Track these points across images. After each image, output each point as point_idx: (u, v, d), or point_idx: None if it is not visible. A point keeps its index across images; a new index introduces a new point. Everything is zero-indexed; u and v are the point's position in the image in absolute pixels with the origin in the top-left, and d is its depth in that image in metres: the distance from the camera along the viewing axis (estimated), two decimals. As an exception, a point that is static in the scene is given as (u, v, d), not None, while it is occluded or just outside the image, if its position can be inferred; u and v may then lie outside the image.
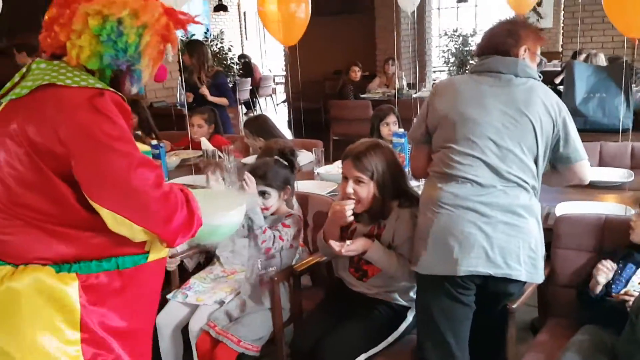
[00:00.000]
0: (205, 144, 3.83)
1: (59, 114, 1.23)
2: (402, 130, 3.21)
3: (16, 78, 1.35)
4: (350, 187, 2.04)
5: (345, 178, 2.07)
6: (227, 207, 1.51)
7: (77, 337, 1.30)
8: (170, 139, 4.39)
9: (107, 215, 1.25)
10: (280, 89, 12.58)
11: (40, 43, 1.36)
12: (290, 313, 2.29)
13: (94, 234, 1.30)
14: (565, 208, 2.32)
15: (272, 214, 2.31)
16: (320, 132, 5.69)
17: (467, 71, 4.37)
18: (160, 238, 1.32)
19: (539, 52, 1.98)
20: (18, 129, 1.25)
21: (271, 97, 11.93)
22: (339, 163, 3.39)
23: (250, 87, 10.49)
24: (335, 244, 2.01)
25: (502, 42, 1.92)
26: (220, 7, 10.16)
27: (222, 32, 8.76)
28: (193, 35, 8.68)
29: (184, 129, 5.34)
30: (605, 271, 1.94)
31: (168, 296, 2.41)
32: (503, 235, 1.78)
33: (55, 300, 1.28)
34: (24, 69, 1.35)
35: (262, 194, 2.26)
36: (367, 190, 2.02)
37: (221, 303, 2.31)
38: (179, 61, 6.10)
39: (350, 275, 2.17)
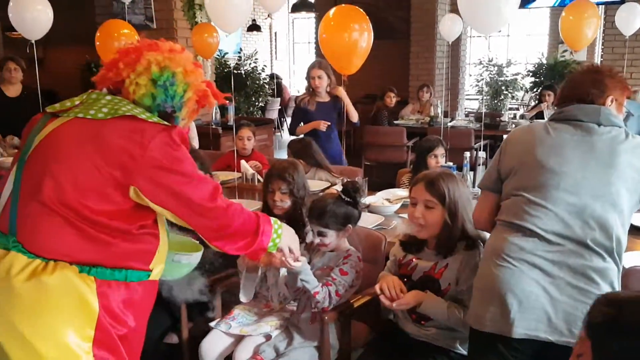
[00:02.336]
0: (245, 167, 3.80)
1: (141, 137, 1.47)
2: (451, 163, 3.15)
3: (76, 101, 1.58)
4: (418, 212, 1.99)
5: (414, 203, 2.02)
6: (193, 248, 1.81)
7: (91, 335, 1.45)
8: (208, 158, 4.37)
9: (161, 211, 1.52)
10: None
11: (99, 78, 1.62)
12: (338, 354, 2.20)
13: (117, 243, 1.48)
14: (635, 259, 2.20)
15: (331, 251, 2.25)
16: (349, 157, 5.65)
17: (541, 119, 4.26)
18: (208, 238, 1.60)
19: (625, 102, 1.86)
20: (95, 144, 1.46)
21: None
22: (382, 194, 3.33)
23: (279, 107, 10.53)
24: (385, 300, 1.96)
25: (586, 92, 1.79)
26: (254, 27, 10.25)
27: (256, 52, 8.81)
28: (226, 53, 8.76)
29: (218, 148, 5.36)
30: None
31: (211, 324, 2.35)
32: (570, 299, 1.64)
33: (78, 299, 1.43)
34: (84, 96, 1.59)
35: (319, 234, 2.20)
36: (437, 215, 1.97)
37: (267, 336, 2.25)
38: (216, 81, 6.17)
39: (407, 316, 2.09)
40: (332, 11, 2.53)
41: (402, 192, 3.32)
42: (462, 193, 2.00)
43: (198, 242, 1.91)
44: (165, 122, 1.53)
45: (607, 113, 1.76)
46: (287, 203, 2.52)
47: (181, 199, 1.51)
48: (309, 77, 4.24)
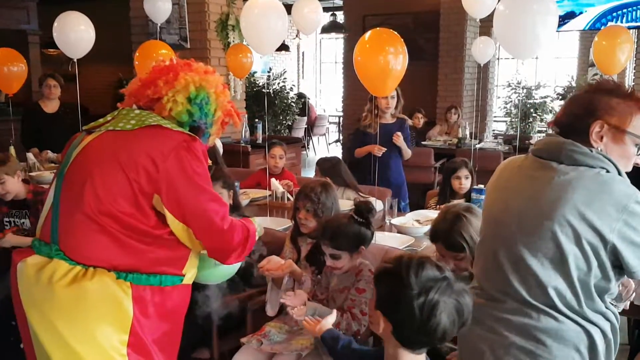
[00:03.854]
0: (275, 185, 3.84)
1: (163, 146, 1.56)
2: (481, 186, 3.13)
3: (108, 117, 1.69)
4: (452, 265, 1.97)
5: (443, 256, 2.02)
6: None
7: (125, 339, 1.52)
8: (237, 176, 4.42)
9: (177, 225, 1.57)
10: (333, 128, 12.67)
11: (133, 92, 1.73)
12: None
13: (152, 249, 1.57)
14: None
15: (344, 272, 2.25)
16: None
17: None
18: (218, 257, 1.70)
19: (638, 130, 1.46)
20: (124, 153, 1.55)
21: (324, 136, 12.02)
22: (412, 215, 3.33)
23: (306, 126, 10.62)
24: None
25: (578, 114, 1.48)
26: (282, 47, 10.39)
27: (284, 72, 8.93)
28: (255, 72, 8.89)
29: (247, 166, 5.42)
30: None
31: (242, 340, 2.37)
32: None
33: (115, 304, 1.51)
34: (116, 112, 1.70)
35: (332, 256, 2.20)
36: (468, 260, 1.96)
37: (298, 355, 2.25)
38: (245, 99, 6.26)
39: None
40: (367, 34, 2.57)
41: (432, 214, 3.31)
42: (478, 228, 1.91)
43: None
44: (189, 133, 1.63)
45: (572, 149, 1.45)
46: (312, 222, 2.54)
47: (197, 211, 1.59)
48: (375, 97, 3.91)
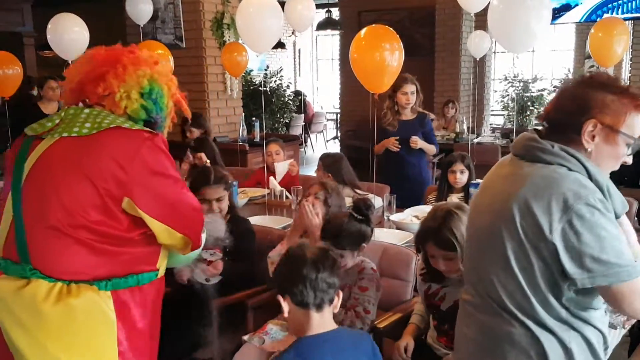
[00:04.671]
0: (273, 184, 3.85)
1: (128, 148, 1.51)
2: (479, 180, 3.12)
3: (56, 120, 1.57)
4: (441, 265, 1.96)
5: (432, 256, 1.98)
6: None
7: (115, 351, 1.51)
8: (235, 174, 4.41)
9: (158, 226, 1.55)
10: (330, 125, 12.66)
11: (84, 90, 1.62)
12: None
13: (126, 250, 1.53)
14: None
15: (345, 270, 2.25)
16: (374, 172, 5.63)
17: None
18: (194, 244, 1.68)
19: (632, 130, 1.38)
20: (88, 161, 1.48)
21: (322, 133, 12.01)
22: (410, 211, 3.33)
23: (303, 124, 10.61)
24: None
25: (570, 111, 1.41)
26: (278, 45, 10.37)
27: (281, 69, 8.92)
28: (251, 70, 8.88)
29: (245, 164, 5.42)
30: None
31: (244, 338, 2.37)
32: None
33: (102, 318, 1.49)
34: (62, 113, 1.59)
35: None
36: (457, 261, 1.91)
37: (298, 353, 2.25)
38: (242, 98, 6.26)
39: (439, 344, 2.08)
40: (363, 31, 2.57)
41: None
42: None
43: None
44: (149, 129, 1.59)
45: (530, 145, 1.42)
46: (318, 210, 2.44)
47: (175, 203, 1.59)
48: (395, 93, 3.88)
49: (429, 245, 1.96)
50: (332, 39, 13.11)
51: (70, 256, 1.47)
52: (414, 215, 3.18)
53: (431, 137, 4.08)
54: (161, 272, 1.66)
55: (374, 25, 2.60)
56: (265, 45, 3.00)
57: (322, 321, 1.61)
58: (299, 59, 13.95)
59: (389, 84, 2.73)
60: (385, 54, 2.41)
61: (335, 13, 9.76)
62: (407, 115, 3.99)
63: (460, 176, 3.38)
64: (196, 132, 4.57)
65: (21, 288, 1.45)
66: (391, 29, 2.60)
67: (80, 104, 1.61)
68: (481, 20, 6.94)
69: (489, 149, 5.87)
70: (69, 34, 3.63)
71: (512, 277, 1.39)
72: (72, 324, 1.46)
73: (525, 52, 2.45)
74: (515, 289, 1.39)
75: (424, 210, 3.31)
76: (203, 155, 4.12)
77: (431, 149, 4.07)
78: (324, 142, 11.87)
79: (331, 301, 1.62)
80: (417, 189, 3.81)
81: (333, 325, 1.65)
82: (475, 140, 6.10)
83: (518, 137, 1.51)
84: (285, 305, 1.62)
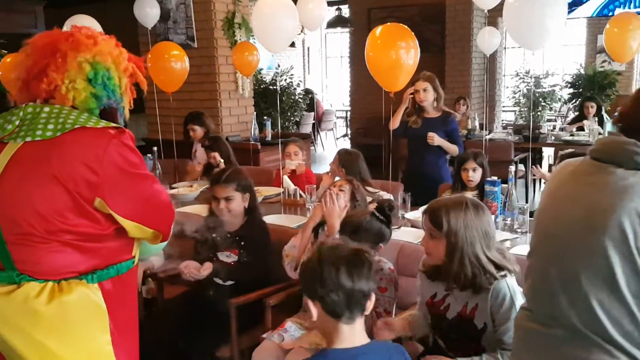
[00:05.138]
0: (287, 183, 3.85)
1: (95, 149, 1.48)
2: (495, 178, 3.11)
3: (16, 122, 1.52)
4: (424, 240, 1.97)
5: (425, 229, 1.99)
6: None
7: (108, 338, 1.55)
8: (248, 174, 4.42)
9: (128, 224, 1.54)
10: (340, 123, 12.66)
11: (30, 89, 1.56)
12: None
13: (105, 244, 1.55)
14: None
15: None
16: (383, 170, 5.63)
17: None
18: (164, 236, 1.67)
19: None
20: (57, 166, 1.45)
21: (332, 131, 12.01)
22: (424, 209, 3.31)
23: (313, 122, 10.61)
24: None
25: None
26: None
27: (292, 68, 8.92)
28: (261, 69, 8.89)
29: (257, 164, 5.43)
30: None
31: (263, 336, 2.39)
32: None
33: (95, 309, 1.52)
34: (20, 113, 1.53)
35: None
36: (440, 246, 1.88)
37: (316, 350, 2.26)
38: (253, 97, 6.27)
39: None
40: (378, 29, 2.57)
41: (446, 207, 3.31)
42: (471, 226, 1.84)
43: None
44: (114, 124, 1.54)
45: (633, 150, 1.25)
46: (340, 200, 2.43)
47: (145, 200, 1.58)
48: (415, 92, 3.85)
49: (425, 216, 1.95)
50: (340, 37, 13.09)
51: (55, 257, 1.48)
52: (429, 213, 3.16)
53: (455, 137, 4.00)
54: (136, 260, 1.70)
55: (389, 23, 2.59)
56: (280, 45, 3.01)
57: (352, 333, 1.51)
58: (308, 57, 13.95)
59: (405, 83, 2.73)
60: (400, 53, 2.40)
61: (345, 10, 9.76)
62: (431, 113, 3.95)
63: (473, 174, 3.36)
64: (199, 131, 4.57)
65: (12, 292, 1.46)
66: (406, 27, 2.59)
67: (38, 101, 1.56)
68: (492, 16, 6.91)
69: (502, 146, 5.84)
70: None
71: (620, 302, 1.22)
72: (67, 319, 1.48)
73: (540, 49, 2.43)
74: (623, 315, 1.23)
75: (439, 208, 3.30)
76: (217, 155, 4.14)
77: (453, 148, 3.98)
78: (334, 140, 11.87)
79: (363, 310, 1.52)
80: (435, 187, 3.77)
81: (364, 339, 1.54)
82: (488, 137, 6.07)
83: (606, 140, 1.35)
84: (314, 310, 1.51)
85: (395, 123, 3.96)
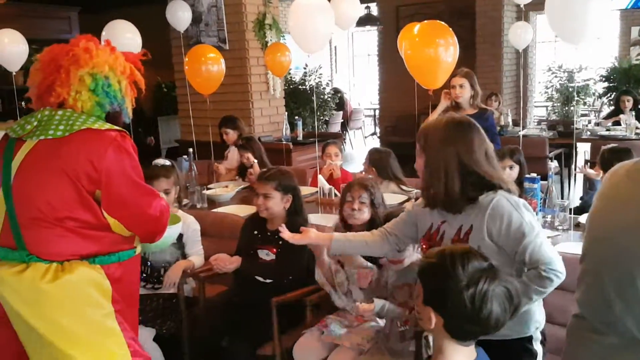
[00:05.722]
0: (322, 182, 3.86)
1: (98, 147, 1.70)
2: (534, 174, 3.07)
3: (34, 122, 1.75)
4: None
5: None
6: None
7: (112, 310, 1.75)
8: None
9: (111, 220, 1.75)
10: (368, 121, 12.62)
11: (43, 101, 1.77)
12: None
13: (107, 234, 1.76)
14: None
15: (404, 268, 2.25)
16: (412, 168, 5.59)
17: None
18: (142, 240, 1.89)
19: None
20: (66, 161, 1.68)
21: (360, 130, 11.99)
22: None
23: (342, 121, 10.61)
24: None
25: None
26: (316, 42, 10.39)
27: (320, 67, 8.94)
28: (290, 69, 8.90)
29: (290, 164, 5.46)
30: None
31: (305, 331, 2.42)
32: None
33: (97, 286, 1.72)
34: (38, 115, 1.76)
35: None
36: (422, 162, 1.88)
37: (360, 351, 2.27)
38: (285, 97, 6.30)
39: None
40: (416, 27, 2.57)
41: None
42: (449, 141, 1.78)
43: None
44: (117, 128, 1.76)
45: None
46: (365, 213, 2.49)
47: (129, 207, 1.76)
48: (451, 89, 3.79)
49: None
50: (367, 35, 13.05)
51: (61, 241, 1.70)
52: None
53: (490, 134, 3.94)
54: (138, 250, 1.89)
55: (426, 21, 2.58)
56: (317, 46, 3.02)
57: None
58: (335, 55, 13.94)
59: (444, 81, 2.72)
60: (439, 50, 2.39)
61: (373, 9, 9.73)
62: (467, 110, 3.87)
63: (510, 172, 3.33)
64: (232, 134, 4.62)
65: (22, 271, 1.67)
66: (444, 24, 2.58)
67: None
68: (522, 11, 6.81)
69: (537, 142, 5.75)
70: (123, 40, 3.71)
71: None
72: (72, 296, 1.68)
73: (584, 43, 2.39)
74: None
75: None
76: (250, 156, 4.18)
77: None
78: (363, 138, 11.85)
79: None
80: None
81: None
82: (522, 133, 5.98)
83: None
84: (433, 318, 1.39)
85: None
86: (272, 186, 2.72)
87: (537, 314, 1.84)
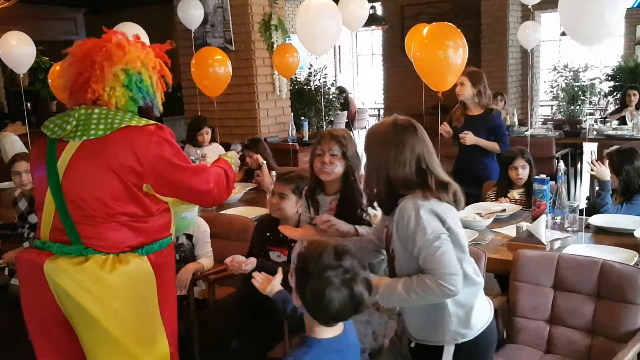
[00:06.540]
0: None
1: (140, 143, 1.78)
2: (543, 175, 3.05)
3: (73, 122, 1.80)
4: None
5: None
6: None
7: (156, 298, 1.87)
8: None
9: (169, 199, 1.89)
10: (372, 121, 12.62)
11: (78, 98, 1.83)
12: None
13: (151, 224, 1.86)
14: None
15: None
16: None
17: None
18: (198, 204, 2.13)
19: None
20: (112, 159, 1.76)
21: (365, 129, 11.99)
22: (472, 208, 3.24)
23: (346, 120, 10.60)
24: None
25: None
26: (320, 42, 10.38)
27: (325, 67, 8.93)
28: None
29: (296, 164, 5.45)
30: None
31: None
32: None
33: (147, 276, 1.84)
34: (75, 114, 1.81)
35: None
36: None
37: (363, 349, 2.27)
38: (290, 97, 6.30)
39: None
40: (425, 29, 2.56)
41: (492, 206, 3.27)
42: (371, 146, 1.81)
43: None
44: (154, 122, 1.84)
45: None
46: (337, 167, 2.20)
47: (182, 189, 1.88)
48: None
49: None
50: (371, 34, 13.04)
51: (113, 234, 1.80)
52: (476, 213, 3.13)
53: (498, 134, 3.87)
54: (173, 237, 2.03)
55: (435, 23, 2.57)
56: (325, 47, 3.02)
57: None
58: (339, 55, 13.93)
59: (453, 82, 2.71)
60: (449, 52, 2.38)
61: (378, 8, 9.72)
62: (473, 110, 3.86)
63: (522, 172, 3.32)
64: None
65: (82, 262, 1.76)
66: (453, 25, 2.57)
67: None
68: (527, 10, 6.79)
69: (544, 142, 5.73)
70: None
71: None
72: (127, 284, 1.80)
73: (565, 37, 2.38)
74: None
75: (485, 207, 3.26)
76: (259, 157, 4.16)
77: (491, 145, 3.84)
78: (367, 138, 11.84)
79: None
80: (482, 186, 3.69)
81: None
82: (528, 133, 5.97)
83: None
84: (299, 300, 1.58)
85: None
86: (289, 188, 2.70)
87: (453, 325, 1.74)
